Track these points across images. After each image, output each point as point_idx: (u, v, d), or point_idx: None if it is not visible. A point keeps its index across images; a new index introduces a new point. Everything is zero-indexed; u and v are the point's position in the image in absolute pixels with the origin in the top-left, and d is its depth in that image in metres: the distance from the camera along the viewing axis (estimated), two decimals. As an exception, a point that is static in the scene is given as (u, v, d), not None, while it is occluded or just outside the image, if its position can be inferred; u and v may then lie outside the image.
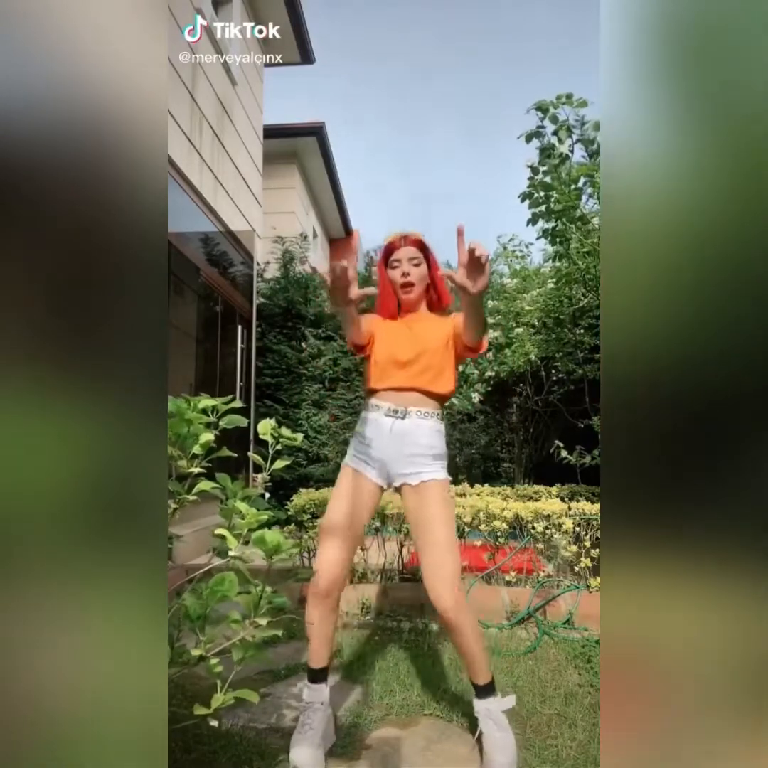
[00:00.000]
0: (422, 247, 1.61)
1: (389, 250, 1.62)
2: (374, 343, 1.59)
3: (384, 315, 1.65)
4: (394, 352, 1.56)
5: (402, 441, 1.51)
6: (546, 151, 2.84)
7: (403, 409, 1.52)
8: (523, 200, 2.99)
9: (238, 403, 1.20)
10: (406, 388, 1.54)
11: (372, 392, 1.59)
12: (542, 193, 2.91)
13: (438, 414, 1.57)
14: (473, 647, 1.45)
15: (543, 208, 2.96)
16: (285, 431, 1.29)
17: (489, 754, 1.38)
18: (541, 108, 2.69)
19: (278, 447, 1.27)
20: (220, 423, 1.18)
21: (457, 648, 1.49)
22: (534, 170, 2.91)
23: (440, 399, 1.58)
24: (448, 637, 1.54)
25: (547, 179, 2.86)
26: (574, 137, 2.76)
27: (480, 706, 1.45)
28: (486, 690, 1.46)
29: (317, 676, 1.49)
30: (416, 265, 1.60)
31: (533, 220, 3.04)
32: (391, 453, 1.51)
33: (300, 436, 1.32)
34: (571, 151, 2.81)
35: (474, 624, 1.46)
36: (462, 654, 1.48)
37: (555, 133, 2.74)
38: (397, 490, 1.55)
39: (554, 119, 2.71)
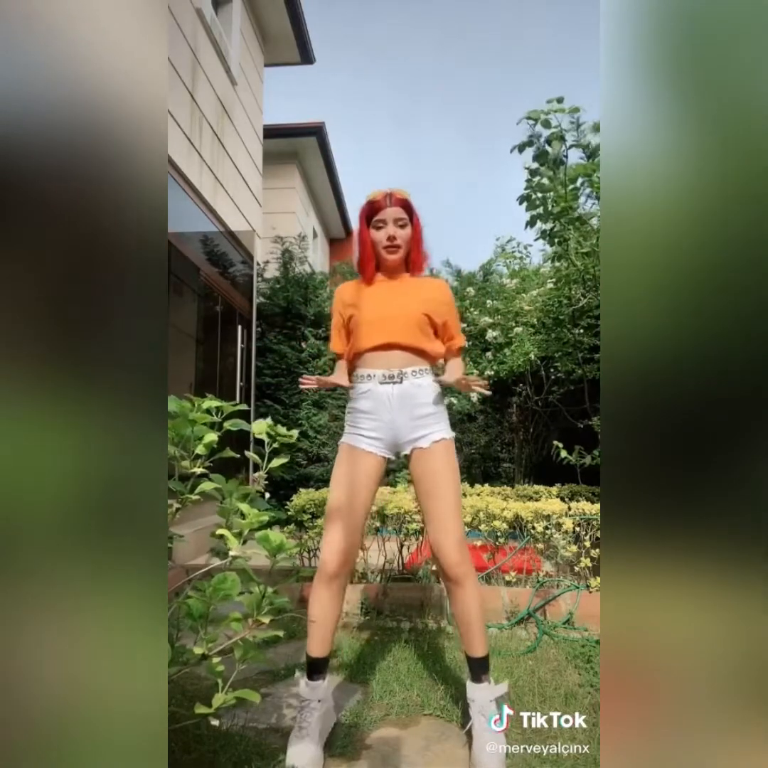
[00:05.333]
0: (407, 206, 1.54)
1: (373, 208, 1.53)
2: (356, 310, 1.55)
3: (363, 276, 1.59)
4: (377, 309, 1.52)
5: (408, 404, 1.48)
6: (541, 158, 2.85)
7: (397, 372, 1.48)
8: (521, 203, 2.99)
9: (243, 406, 1.21)
10: (393, 345, 1.49)
11: (357, 357, 1.54)
12: (540, 195, 2.91)
13: (432, 370, 1.54)
14: (474, 608, 1.44)
15: (541, 209, 2.96)
16: (280, 429, 1.29)
17: (476, 751, 1.35)
18: (532, 117, 2.70)
19: (275, 445, 1.27)
20: (225, 425, 1.19)
21: (457, 612, 1.47)
22: (532, 173, 2.91)
23: (429, 358, 1.54)
24: (450, 601, 1.49)
25: (544, 181, 2.87)
26: (568, 143, 2.77)
27: (475, 694, 1.43)
28: (482, 666, 1.45)
29: (315, 668, 1.45)
30: (402, 226, 1.53)
31: (531, 223, 3.04)
32: (398, 419, 1.48)
33: (295, 433, 1.32)
34: (565, 157, 2.81)
35: (477, 584, 1.45)
36: (462, 620, 1.46)
37: (548, 141, 2.74)
38: (406, 456, 1.52)
39: (547, 124, 2.70)
